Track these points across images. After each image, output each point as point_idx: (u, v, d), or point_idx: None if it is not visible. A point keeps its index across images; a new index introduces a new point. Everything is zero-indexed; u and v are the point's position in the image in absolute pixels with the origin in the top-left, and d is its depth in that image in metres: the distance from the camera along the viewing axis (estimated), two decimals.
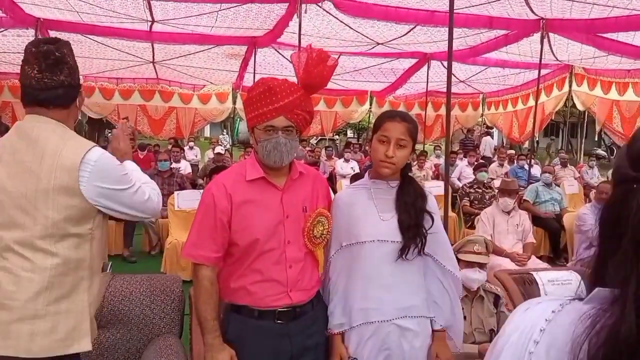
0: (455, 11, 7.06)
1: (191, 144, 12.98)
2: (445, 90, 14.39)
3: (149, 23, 8.10)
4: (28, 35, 8.60)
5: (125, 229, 6.11)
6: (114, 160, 1.75)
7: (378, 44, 9.15)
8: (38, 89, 1.62)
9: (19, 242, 1.58)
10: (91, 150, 1.65)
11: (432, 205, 2.00)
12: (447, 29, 4.58)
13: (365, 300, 1.91)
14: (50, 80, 1.62)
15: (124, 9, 7.34)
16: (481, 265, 2.79)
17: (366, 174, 2.07)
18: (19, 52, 9.78)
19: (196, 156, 12.67)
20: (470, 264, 2.79)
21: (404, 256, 1.88)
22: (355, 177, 5.02)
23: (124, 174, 1.74)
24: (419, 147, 14.83)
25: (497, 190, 5.50)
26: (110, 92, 13.76)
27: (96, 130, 19.08)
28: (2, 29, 8.30)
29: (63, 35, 8.93)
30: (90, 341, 1.68)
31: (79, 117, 2.36)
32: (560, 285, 3.10)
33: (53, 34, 8.79)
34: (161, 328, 2.41)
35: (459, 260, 2.67)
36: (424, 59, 10.78)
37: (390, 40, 8.93)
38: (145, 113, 14.41)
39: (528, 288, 3.08)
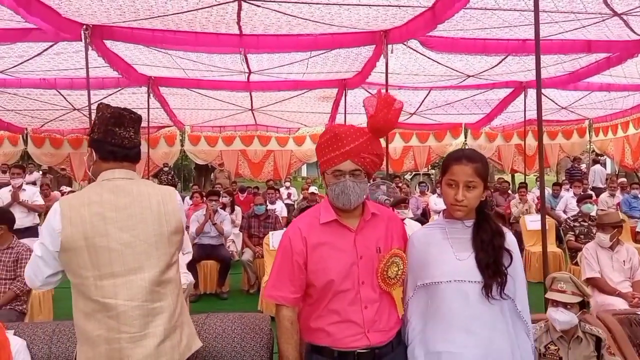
0: (547, 37, 6.90)
1: (287, 184, 13.41)
2: (548, 118, 13.76)
3: (247, 74, 8.70)
4: (142, 92, 9.62)
5: (220, 269, 6.47)
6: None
7: (468, 76, 9.03)
8: (129, 148, 1.96)
9: (150, 281, 1.87)
10: (174, 192, 2.06)
11: (511, 243, 1.94)
12: (543, 56, 4.42)
13: (446, 342, 1.85)
14: (137, 141, 2.00)
15: (224, 64, 7.97)
16: (566, 305, 2.60)
17: (440, 214, 2.06)
18: (134, 108, 10.89)
19: (292, 196, 13.06)
20: (554, 303, 2.63)
21: (489, 295, 1.83)
22: None
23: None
24: (520, 177, 14.20)
25: None
26: (214, 140, 14.82)
27: (202, 175, 20.42)
28: (120, 88, 9.31)
29: (171, 91, 9.89)
30: (199, 339, 2.09)
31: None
32: None
33: (163, 90, 9.75)
34: None
35: (546, 299, 2.53)
36: (519, 87, 10.43)
37: (481, 72, 8.79)
38: (245, 157, 15.29)
39: (635, 330, 2.82)
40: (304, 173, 31.37)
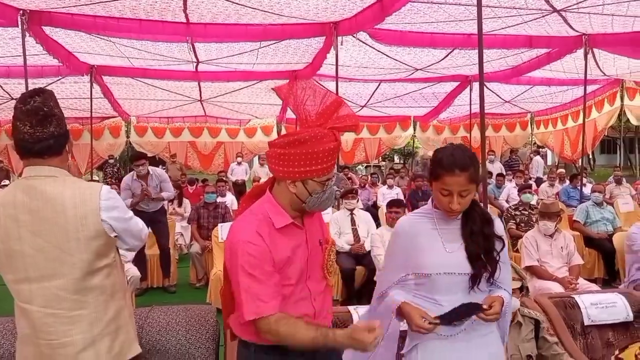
0: (490, 32, 7.12)
1: (239, 159, 13.18)
2: (492, 111, 14.18)
3: (194, 64, 8.51)
4: (84, 81, 9.25)
5: (161, 261, 6.30)
6: (115, 192, 1.94)
7: (417, 69, 9.20)
8: (32, 142, 1.77)
9: (63, 288, 1.76)
10: (101, 189, 1.85)
11: (499, 228, 1.98)
12: (486, 51, 4.56)
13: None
14: (42, 133, 1.77)
15: (170, 52, 7.76)
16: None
17: (429, 201, 2.03)
18: (76, 98, 10.50)
19: (246, 172, 12.95)
20: None
21: (476, 287, 1.88)
22: (393, 203, 5.01)
23: (124, 205, 1.96)
24: None
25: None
26: (162, 131, 14.46)
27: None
28: (60, 77, 8.91)
29: (115, 80, 9.55)
30: (138, 345, 1.98)
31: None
32: (604, 308, 2.97)
33: (107, 79, 9.41)
34: (197, 357, 2.49)
35: None
36: (465, 81, 10.73)
37: (428, 66, 8.97)
38: (194, 149, 15.01)
39: (570, 312, 2.97)
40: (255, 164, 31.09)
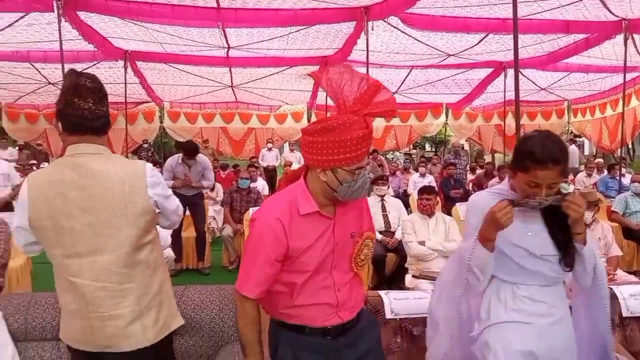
0: (526, 17, 6.92)
1: (270, 145, 13.29)
2: (527, 99, 13.90)
3: (226, 49, 8.57)
4: (118, 66, 9.42)
5: (197, 244, 6.45)
6: (157, 170, 2.01)
7: (449, 55, 9.04)
8: (91, 119, 1.83)
9: (113, 263, 1.82)
10: (146, 166, 1.92)
11: None
12: (522, 36, 4.44)
13: (512, 312, 1.95)
14: (100, 111, 1.86)
15: (202, 38, 7.83)
16: None
17: (505, 182, 2.01)
18: (110, 83, 10.71)
19: (277, 158, 13.04)
20: None
21: (566, 269, 1.90)
22: (424, 190, 4.95)
23: (165, 183, 2.03)
24: (499, 158, 14.37)
25: None
26: (194, 117, 14.64)
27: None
28: (95, 62, 9.11)
29: (149, 65, 9.69)
30: (181, 317, 2.07)
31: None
32: None
33: (140, 64, 9.55)
34: (230, 336, 2.53)
35: None
36: (499, 67, 10.48)
37: (461, 51, 8.80)
38: (226, 135, 15.16)
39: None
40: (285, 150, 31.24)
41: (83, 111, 1.82)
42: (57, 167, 1.85)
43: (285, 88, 12.12)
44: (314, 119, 14.86)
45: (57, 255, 1.82)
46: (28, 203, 1.79)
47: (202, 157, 6.30)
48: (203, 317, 2.53)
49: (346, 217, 1.87)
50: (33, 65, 9.37)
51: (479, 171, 10.90)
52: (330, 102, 10.59)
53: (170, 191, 2.02)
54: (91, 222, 1.79)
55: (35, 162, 11.87)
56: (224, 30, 7.39)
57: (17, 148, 13.93)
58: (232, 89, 12.25)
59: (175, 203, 2.03)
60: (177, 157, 6.17)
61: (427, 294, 3.08)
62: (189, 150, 6.10)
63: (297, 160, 12.51)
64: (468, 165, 12.38)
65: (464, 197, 8.64)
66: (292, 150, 13.55)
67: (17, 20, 6.91)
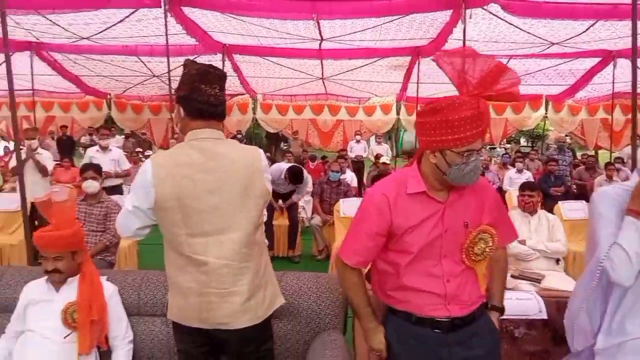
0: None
1: (358, 137, 13.25)
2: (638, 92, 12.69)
3: (319, 41, 8.65)
4: (216, 59, 9.80)
5: (289, 232, 6.66)
6: None
7: (552, 44, 8.50)
8: (216, 105, 1.93)
9: (237, 242, 1.90)
10: (259, 152, 2.05)
11: None
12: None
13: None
14: (223, 97, 1.97)
15: (297, 30, 7.96)
16: None
17: (634, 178, 1.86)
18: None
19: (365, 150, 13.02)
20: None
21: None
22: (526, 186, 4.70)
23: None
24: (605, 154, 13.29)
25: None
26: (285, 109, 14.97)
27: (273, 143, 20.84)
28: (196, 56, 9.53)
29: (244, 58, 10.03)
30: (282, 297, 2.16)
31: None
32: None
33: (237, 57, 9.91)
34: (327, 323, 2.56)
35: None
36: (608, 57, 9.68)
37: (566, 40, 8.23)
38: (315, 126, 15.36)
39: None
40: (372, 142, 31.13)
41: (209, 97, 1.90)
42: (183, 149, 1.93)
43: (376, 80, 12.03)
44: (403, 111, 14.64)
45: (180, 235, 1.89)
46: (154, 184, 1.86)
47: (305, 179, 6.65)
48: (301, 302, 2.58)
49: (460, 204, 1.82)
50: (140, 59, 10.03)
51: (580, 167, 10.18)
52: (421, 95, 10.38)
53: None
54: (217, 203, 1.88)
55: (140, 149, 12.75)
56: (318, 22, 7.46)
57: (123, 136, 15.04)
58: (323, 81, 12.36)
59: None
60: (283, 172, 6.38)
61: (530, 294, 2.94)
62: (297, 176, 6.35)
63: (384, 152, 12.41)
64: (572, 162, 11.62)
65: (565, 196, 8.14)
66: (379, 143, 13.45)
67: (127, 16, 7.44)
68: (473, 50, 1.72)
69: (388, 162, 10.23)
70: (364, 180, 10.93)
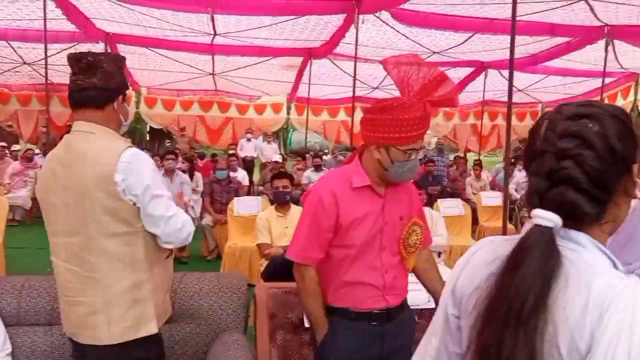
0: (516, 19, 7.00)
1: (249, 135, 12.91)
2: (502, 100, 14.12)
3: (211, 36, 8.44)
4: (98, 48, 9.11)
5: None
6: (145, 158, 1.77)
7: (434, 52, 9.11)
8: (73, 90, 1.74)
9: (80, 246, 1.71)
10: (125, 150, 1.70)
11: None
12: (506, 36, 4.53)
13: None
14: (83, 82, 1.71)
15: (189, 23, 7.70)
16: None
17: None
18: None
19: (255, 149, 12.84)
20: None
21: None
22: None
23: (160, 183, 1.79)
24: (474, 157, 14.59)
25: None
26: (172, 104, 14.34)
27: (157, 139, 19.94)
28: (75, 43, 8.79)
29: (129, 49, 9.47)
30: (156, 324, 1.80)
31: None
32: None
33: (121, 47, 9.32)
34: (227, 324, 2.51)
35: None
36: (480, 67, 10.63)
37: (446, 49, 8.88)
38: (203, 123, 14.90)
39: None
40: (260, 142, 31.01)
41: (70, 85, 1.74)
42: (60, 143, 1.81)
43: (267, 78, 12.01)
44: (293, 111, 14.79)
45: (48, 232, 1.81)
46: (35, 176, 1.79)
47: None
48: (202, 304, 2.51)
49: (396, 199, 1.94)
50: (9, 44, 9.03)
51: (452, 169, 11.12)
52: (312, 95, 10.57)
53: (160, 192, 1.76)
54: (67, 201, 1.72)
55: (4, 144, 11.46)
56: (212, 17, 7.28)
57: None
58: (213, 77, 12.05)
59: (163, 209, 1.75)
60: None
61: (418, 285, 3.10)
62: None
63: (273, 152, 12.41)
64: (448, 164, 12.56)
65: (442, 194, 8.81)
66: (268, 142, 13.38)
67: None
68: (419, 58, 1.86)
69: (280, 160, 10.26)
70: (254, 179, 10.88)
